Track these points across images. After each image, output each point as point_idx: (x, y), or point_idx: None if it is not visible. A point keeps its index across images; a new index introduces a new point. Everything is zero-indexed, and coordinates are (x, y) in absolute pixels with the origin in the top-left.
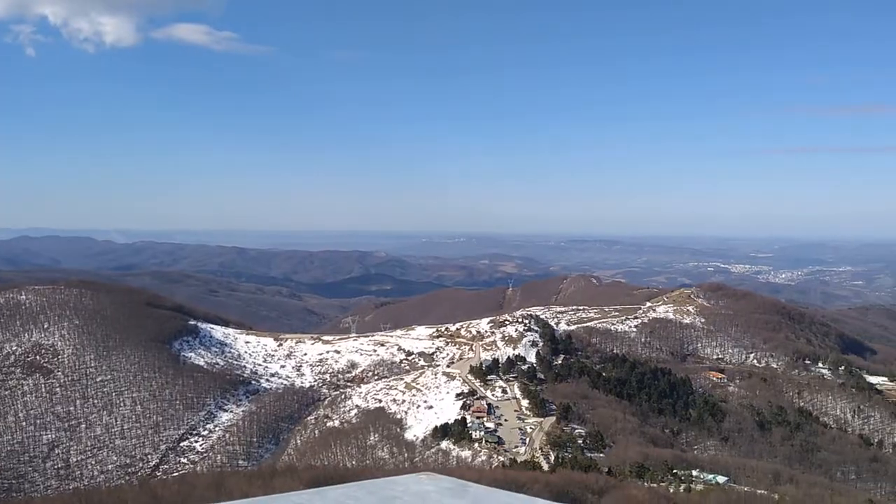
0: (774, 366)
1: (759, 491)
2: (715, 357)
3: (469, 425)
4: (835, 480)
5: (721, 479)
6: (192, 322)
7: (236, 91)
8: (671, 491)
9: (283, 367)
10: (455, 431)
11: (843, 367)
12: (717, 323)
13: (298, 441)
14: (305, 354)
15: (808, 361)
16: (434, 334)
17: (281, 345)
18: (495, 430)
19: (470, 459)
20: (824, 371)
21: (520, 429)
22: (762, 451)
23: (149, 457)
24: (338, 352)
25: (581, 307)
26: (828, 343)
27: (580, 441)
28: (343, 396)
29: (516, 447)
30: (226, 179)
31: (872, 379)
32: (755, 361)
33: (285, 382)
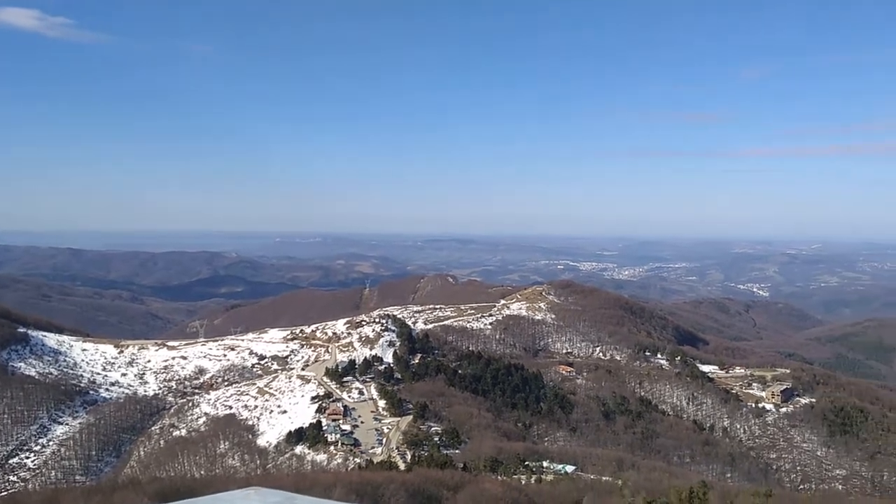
0: (618, 358)
1: (603, 478)
2: (565, 351)
3: (325, 428)
4: (672, 464)
5: (569, 468)
6: (22, 329)
7: (70, 80)
8: (523, 483)
9: (124, 375)
10: (310, 435)
11: (679, 358)
12: (567, 318)
13: (142, 453)
14: (149, 361)
15: (648, 353)
16: (288, 337)
17: (122, 352)
18: (351, 433)
19: (326, 463)
20: (662, 361)
21: (377, 429)
22: (607, 440)
23: None
24: (184, 357)
25: (438, 306)
26: (666, 335)
27: (437, 438)
28: (190, 404)
29: (373, 448)
30: (58, 175)
31: (705, 368)
32: (601, 354)
33: (127, 391)
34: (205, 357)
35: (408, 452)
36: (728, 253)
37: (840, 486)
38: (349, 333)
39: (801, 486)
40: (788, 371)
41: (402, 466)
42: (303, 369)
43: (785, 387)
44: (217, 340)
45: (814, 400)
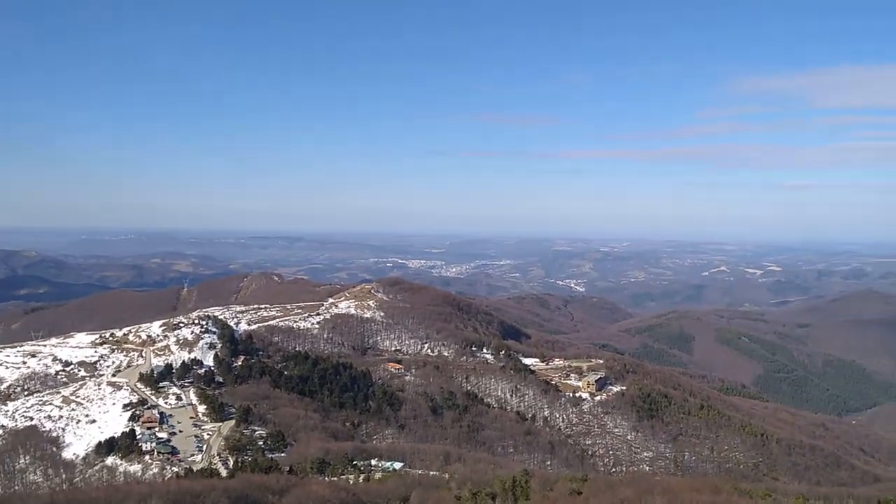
0: (446, 354)
1: (431, 472)
2: (394, 349)
3: (139, 437)
4: (497, 455)
5: (398, 465)
6: None
7: None
8: (351, 482)
9: None
10: (122, 445)
11: (503, 352)
12: (396, 316)
13: None
14: None
15: (474, 348)
16: (97, 341)
17: None
18: (169, 440)
19: (140, 474)
20: (488, 356)
21: (196, 436)
22: (435, 435)
23: None
24: None
25: (263, 306)
26: (491, 330)
27: (261, 443)
28: None
29: (192, 456)
30: None
31: (527, 361)
32: (430, 351)
33: None
34: (1, 365)
35: (230, 458)
36: (549, 250)
37: (647, 468)
38: (166, 336)
39: (614, 470)
40: (602, 361)
41: (224, 473)
42: (114, 375)
43: (599, 376)
44: (15, 346)
45: (624, 388)
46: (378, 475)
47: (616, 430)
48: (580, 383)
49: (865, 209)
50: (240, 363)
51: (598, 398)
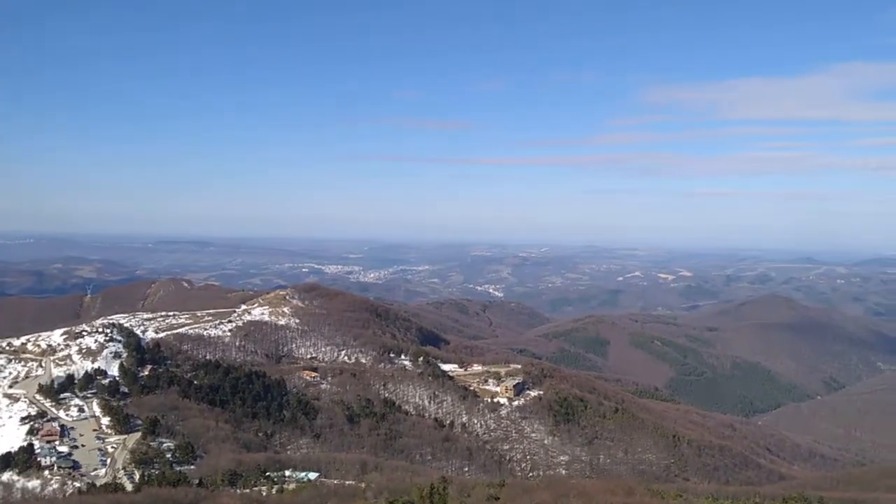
0: (364, 361)
1: (347, 482)
2: (309, 356)
3: (38, 451)
4: (415, 463)
5: (312, 475)
6: None
7: None
8: (264, 494)
9: None
10: (20, 460)
11: (421, 358)
12: (312, 323)
13: None
14: None
15: (392, 354)
16: None
17: None
18: (70, 454)
19: (39, 490)
20: (406, 362)
21: (100, 449)
22: (351, 444)
23: None
24: None
25: (171, 313)
26: (410, 336)
27: (169, 455)
28: None
29: (95, 470)
30: None
31: (445, 367)
32: (346, 358)
33: None
34: None
35: (136, 472)
36: (468, 256)
37: (564, 471)
38: (67, 345)
39: (531, 474)
40: (520, 366)
41: (129, 488)
42: (10, 387)
43: (517, 381)
44: None
45: (541, 392)
46: (292, 486)
47: (533, 434)
48: (498, 389)
49: (770, 217)
50: (147, 373)
51: (515, 403)
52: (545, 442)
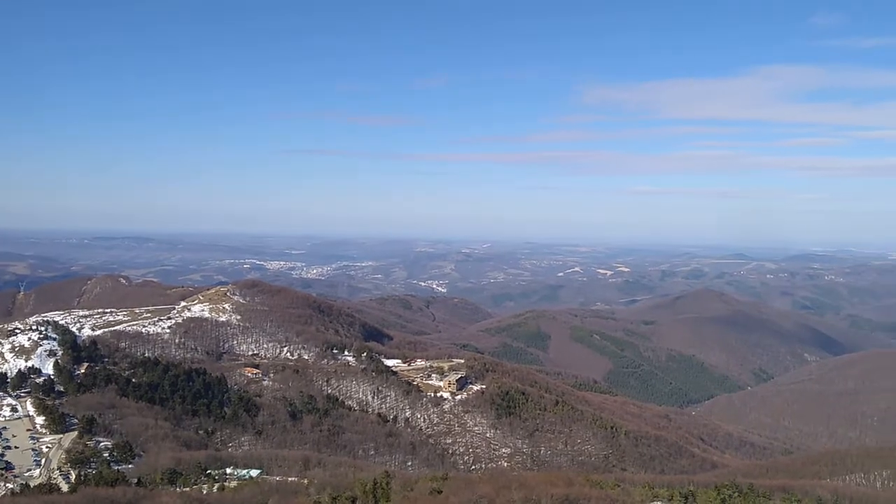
0: (306, 357)
1: (290, 479)
2: (251, 353)
3: None
4: (358, 458)
5: (254, 472)
6: None
7: None
8: (204, 492)
9: None
10: None
11: (365, 354)
12: (253, 319)
13: None
14: None
15: (336, 351)
16: None
17: None
18: (2, 455)
19: None
20: (350, 358)
21: (34, 449)
22: (294, 440)
23: None
24: None
25: (109, 310)
26: (353, 332)
27: (106, 454)
28: None
29: (29, 471)
30: None
31: (389, 362)
32: (289, 354)
33: None
34: None
35: (72, 472)
36: (411, 252)
37: (506, 464)
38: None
39: (473, 467)
40: (463, 361)
41: (65, 488)
42: None
43: (459, 376)
44: None
45: (484, 386)
46: (233, 484)
47: (476, 428)
48: (441, 383)
49: (704, 214)
50: (83, 371)
51: (458, 397)
52: (487, 435)
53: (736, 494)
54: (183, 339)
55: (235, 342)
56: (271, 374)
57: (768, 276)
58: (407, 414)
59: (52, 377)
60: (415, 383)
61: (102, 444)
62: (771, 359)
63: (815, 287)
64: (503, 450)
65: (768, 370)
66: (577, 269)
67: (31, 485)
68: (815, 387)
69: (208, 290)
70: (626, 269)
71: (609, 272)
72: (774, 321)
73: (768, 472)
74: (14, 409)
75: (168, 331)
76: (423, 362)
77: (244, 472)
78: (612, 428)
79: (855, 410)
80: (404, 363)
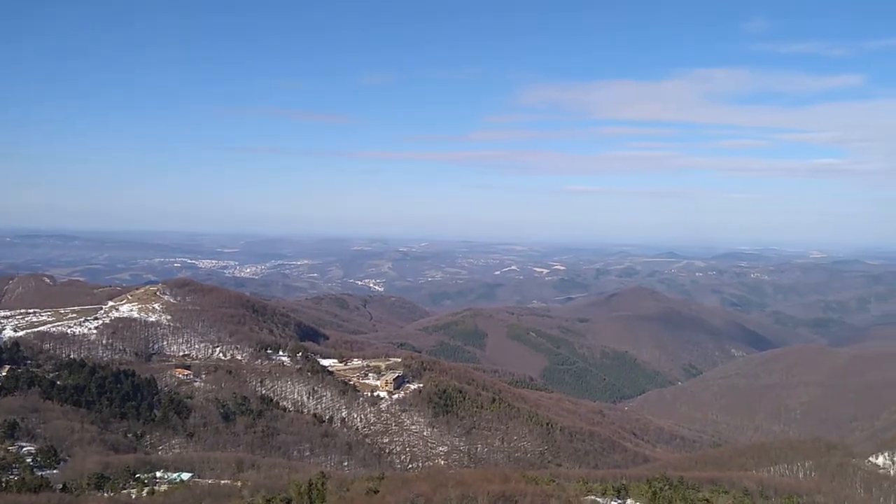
0: (239, 357)
1: (222, 481)
2: (182, 354)
3: None
4: (293, 459)
5: (185, 475)
6: None
7: None
8: (133, 497)
9: None
10: None
11: (300, 354)
12: (184, 319)
13: None
14: None
15: (270, 351)
16: None
17: None
18: None
19: None
20: (284, 358)
21: None
22: (227, 442)
23: None
24: None
25: (32, 310)
26: (288, 332)
27: (29, 459)
28: None
29: None
30: None
31: (325, 362)
32: (222, 355)
33: None
34: None
35: None
36: (348, 250)
37: (443, 462)
38: None
39: (410, 466)
40: (400, 360)
41: None
42: None
43: (397, 375)
44: None
45: (421, 385)
46: (164, 487)
47: (413, 426)
48: (378, 382)
49: (637, 213)
50: (4, 374)
51: (395, 396)
52: (424, 434)
53: (667, 487)
54: (111, 340)
55: (166, 343)
56: (203, 375)
57: (698, 274)
58: (343, 414)
59: None
60: (351, 383)
61: (25, 449)
62: (700, 354)
63: (741, 285)
64: (440, 448)
65: (698, 365)
66: (513, 267)
67: None
68: (741, 381)
69: (137, 289)
70: (562, 268)
71: (545, 271)
72: (704, 318)
73: (697, 465)
74: None
75: (95, 331)
76: (359, 361)
77: (175, 475)
78: (547, 424)
79: (779, 404)
80: (341, 363)
